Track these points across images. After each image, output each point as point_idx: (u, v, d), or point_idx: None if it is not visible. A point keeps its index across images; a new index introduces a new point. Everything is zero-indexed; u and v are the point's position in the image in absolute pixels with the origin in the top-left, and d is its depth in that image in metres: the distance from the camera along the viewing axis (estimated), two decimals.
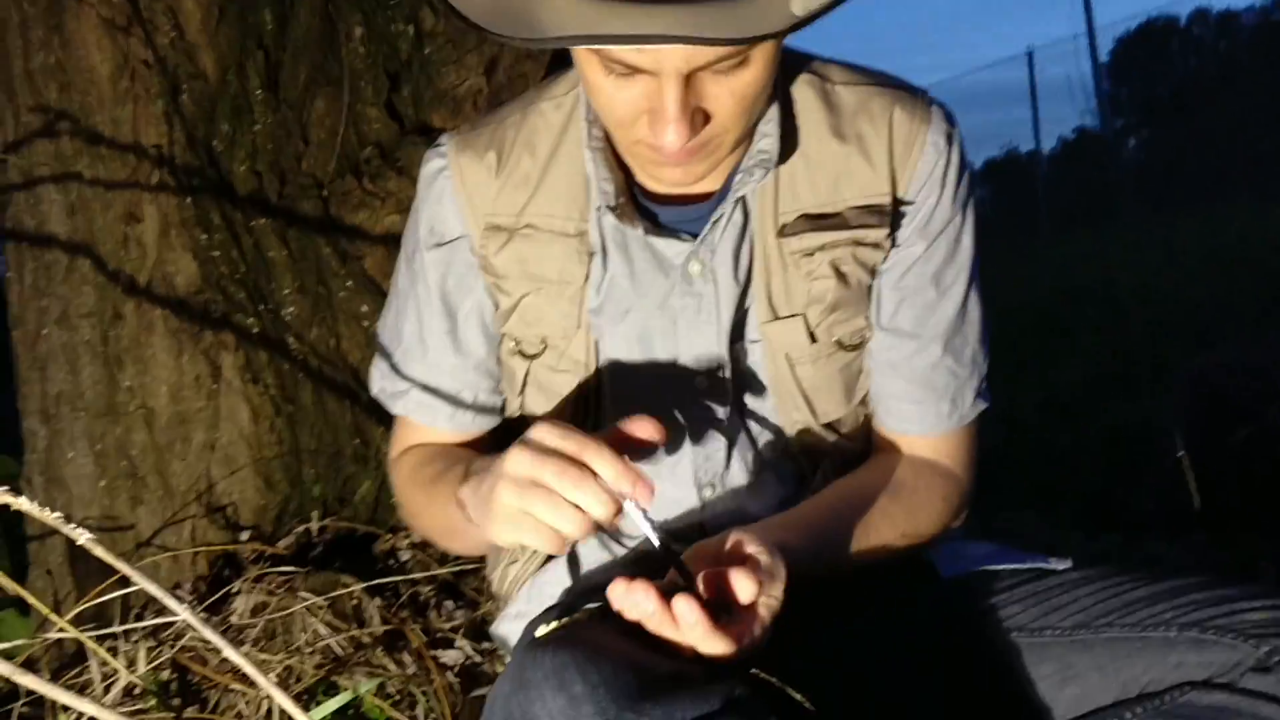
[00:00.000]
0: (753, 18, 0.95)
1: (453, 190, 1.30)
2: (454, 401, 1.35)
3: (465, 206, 1.29)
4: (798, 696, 0.97)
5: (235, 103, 1.88)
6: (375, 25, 1.91)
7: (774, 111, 1.21)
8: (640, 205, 1.25)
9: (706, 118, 1.08)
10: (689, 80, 1.04)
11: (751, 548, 1.01)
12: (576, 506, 0.98)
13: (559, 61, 1.89)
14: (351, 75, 1.89)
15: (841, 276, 1.25)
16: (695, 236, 1.23)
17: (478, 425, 1.37)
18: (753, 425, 1.30)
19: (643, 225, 1.21)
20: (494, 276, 1.29)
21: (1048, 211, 13.15)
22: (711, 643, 0.92)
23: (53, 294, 1.87)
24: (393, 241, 1.86)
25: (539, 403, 1.32)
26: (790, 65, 1.28)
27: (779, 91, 1.23)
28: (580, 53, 1.09)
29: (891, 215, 1.24)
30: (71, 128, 1.86)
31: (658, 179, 1.17)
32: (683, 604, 0.91)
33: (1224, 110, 12.18)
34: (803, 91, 1.27)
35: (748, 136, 1.18)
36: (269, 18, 1.90)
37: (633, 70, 1.04)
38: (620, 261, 1.25)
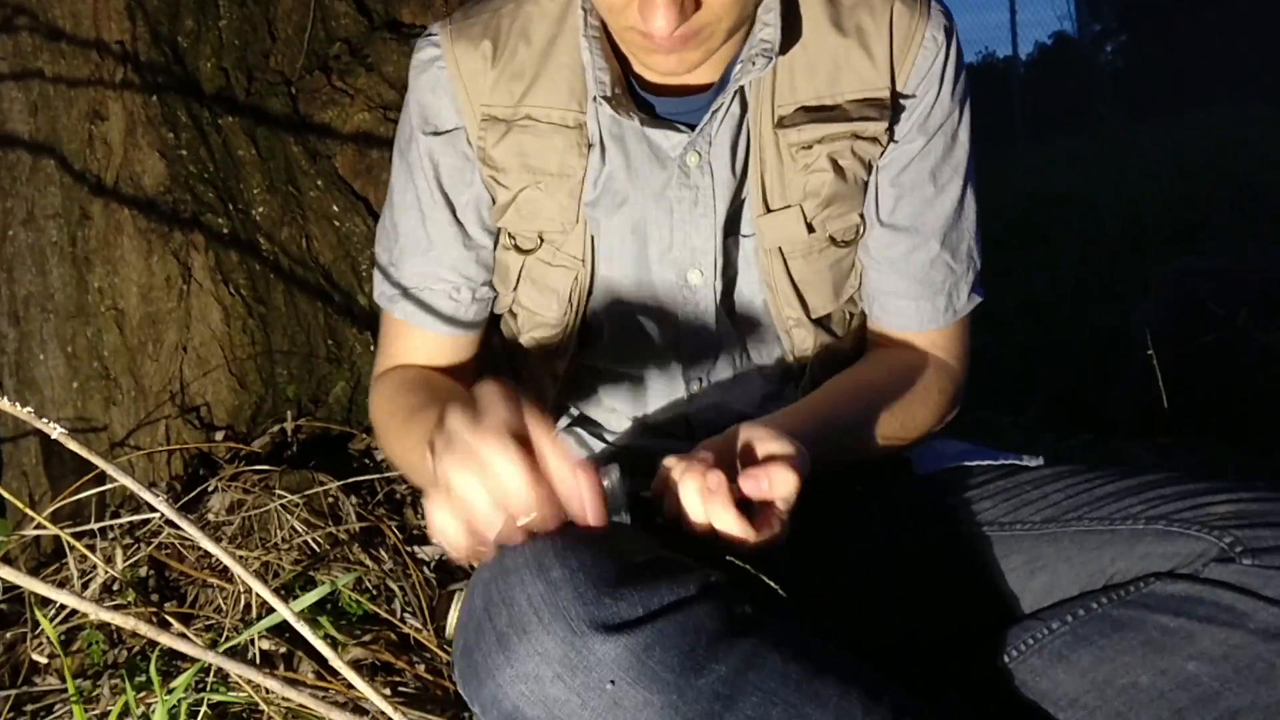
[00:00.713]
0: None
1: (447, 79, 1.29)
2: (452, 299, 1.35)
3: (461, 96, 1.29)
4: (772, 584, 0.99)
5: None
6: None
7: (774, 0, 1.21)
8: (637, 96, 1.25)
9: (697, 4, 1.08)
10: None
11: (776, 445, 1.03)
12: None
13: None
14: None
15: (839, 170, 1.26)
16: (693, 129, 1.23)
17: (469, 333, 1.37)
18: (742, 320, 1.32)
19: (639, 116, 1.21)
20: (492, 169, 1.29)
21: (1025, 118, 13.10)
22: (737, 528, 0.97)
23: (17, 194, 1.85)
24: (363, 140, 1.84)
25: (531, 297, 1.33)
26: None
27: None
28: None
29: (890, 109, 1.25)
30: (30, 22, 1.82)
31: (652, 67, 1.17)
32: (715, 477, 0.97)
33: (1202, 16, 12.10)
34: None
35: (743, 25, 1.18)
36: None
37: None
38: (617, 154, 1.26)
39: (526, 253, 1.31)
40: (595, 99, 1.23)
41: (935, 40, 1.27)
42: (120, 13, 1.82)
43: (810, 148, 1.25)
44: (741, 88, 1.24)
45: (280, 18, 1.87)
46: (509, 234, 1.32)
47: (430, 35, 1.33)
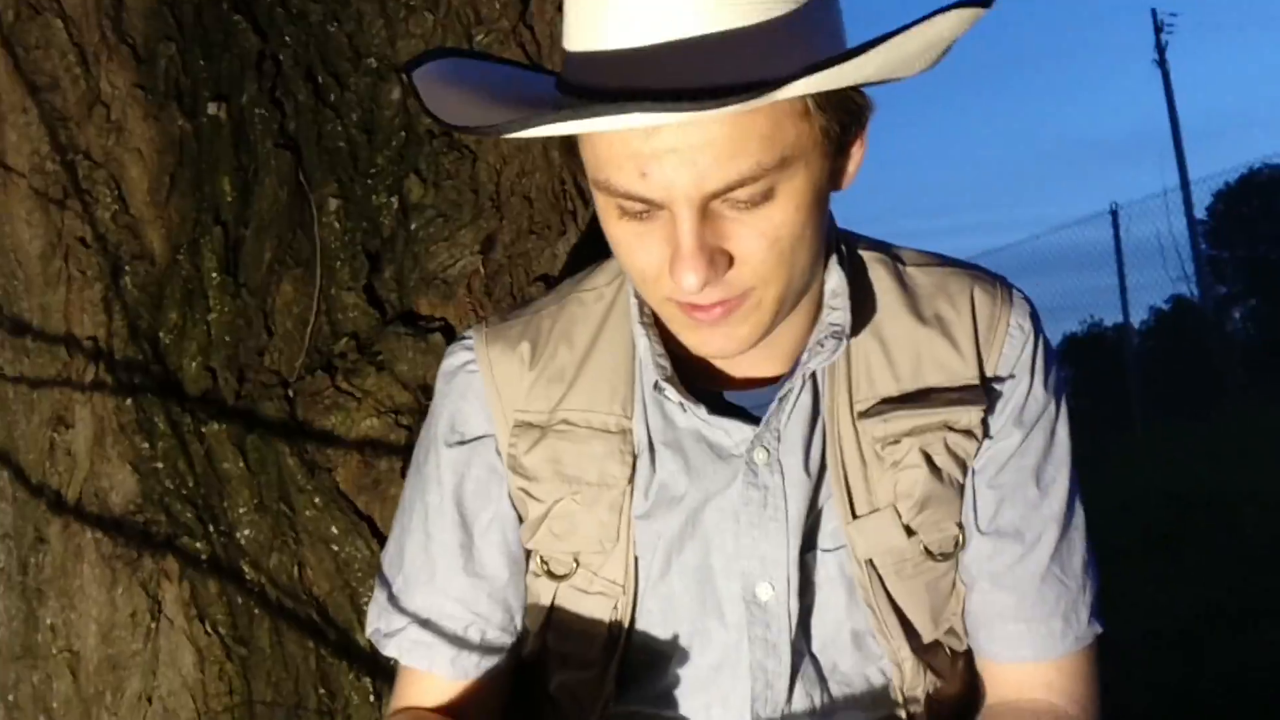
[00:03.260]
0: (730, 98, 1.04)
1: (480, 384, 1.38)
2: (458, 641, 1.38)
3: (493, 401, 1.37)
4: None
5: (187, 287, 1.93)
6: (353, 196, 1.97)
7: (840, 280, 1.30)
8: (697, 391, 1.31)
9: (731, 261, 1.15)
10: (706, 215, 1.12)
11: None
12: None
13: (576, 250, 1.97)
14: (324, 255, 1.95)
15: (933, 467, 1.31)
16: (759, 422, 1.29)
17: (482, 669, 1.39)
18: (824, 652, 1.34)
19: (698, 406, 1.28)
20: (523, 479, 1.35)
21: (1142, 396, 13.22)
22: None
23: None
24: (370, 449, 1.89)
25: (562, 632, 1.36)
26: (856, 246, 1.38)
27: (846, 265, 1.32)
28: (599, 199, 1.18)
29: (984, 397, 1.31)
30: None
31: (701, 349, 1.24)
32: None
33: None
34: (874, 271, 1.37)
35: (795, 298, 1.24)
36: (228, 187, 1.96)
37: (647, 207, 1.13)
38: (672, 459, 1.32)
39: (560, 579, 1.35)
40: (655, 385, 1.29)
41: (1021, 328, 1.35)
42: (96, 305, 1.91)
43: (899, 442, 1.30)
44: (814, 377, 1.31)
45: (279, 310, 1.95)
46: (541, 558, 1.36)
47: (464, 339, 1.42)
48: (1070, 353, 15.92)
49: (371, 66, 1.99)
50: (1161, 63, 21.07)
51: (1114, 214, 14.13)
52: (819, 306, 1.31)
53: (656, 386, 1.30)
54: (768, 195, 1.13)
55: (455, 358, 1.42)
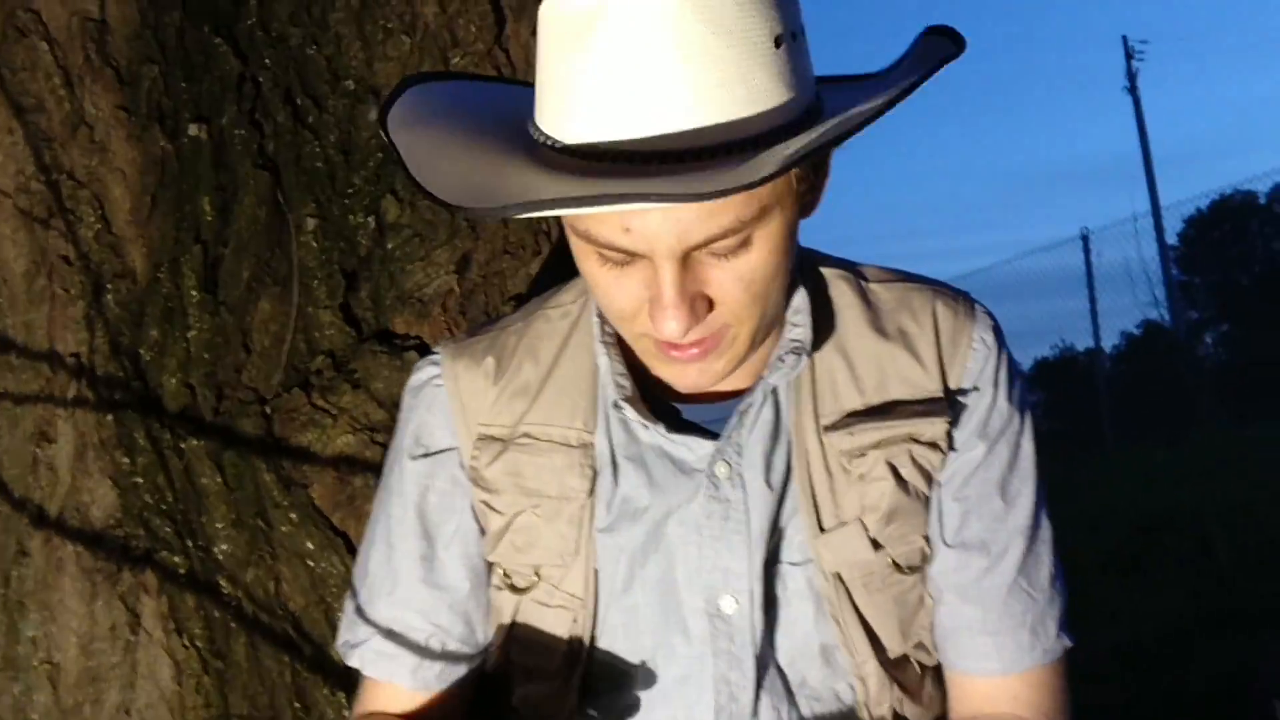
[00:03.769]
0: (726, 180, 1.06)
1: (445, 398, 1.41)
2: (420, 650, 1.40)
3: (457, 415, 1.40)
4: None
5: (167, 305, 1.96)
6: (330, 217, 2.00)
7: (803, 300, 1.32)
8: (659, 407, 1.34)
9: (711, 305, 1.19)
10: (687, 264, 1.15)
11: None
12: None
13: (550, 268, 1.99)
14: (302, 273, 1.97)
15: (900, 480, 1.33)
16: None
17: (443, 681, 1.41)
18: (791, 666, 1.36)
19: (661, 423, 1.30)
20: (485, 491, 1.37)
21: (1113, 421, 13.26)
22: None
23: None
24: (346, 466, 1.92)
25: (524, 646, 1.39)
26: (819, 264, 1.41)
27: (809, 285, 1.35)
28: (577, 243, 1.20)
29: (948, 410, 1.34)
30: None
31: (673, 382, 1.27)
32: None
33: None
34: (836, 287, 1.39)
35: (768, 331, 1.28)
36: (208, 207, 1.99)
37: (628, 256, 1.16)
38: (635, 472, 1.34)
39: (521, 592, 1.38)
40: (615, 404, 1.32)
41: (984, 342, 1.37)
42: (78, 322, 1.94)
43: (865, 454, 1.32)
44: (775, 392, 1.33)
45: (256, 328, 1.97)
46: (503, 571, 1.39)
47: (432, 355, 1.46)
48: (1042, 377, 15.94)
49: (349, 89, 2.02)
50: (1133, 89, 21.23)
51: (1085, 239, 14.21)
52: (781, 324, 1.33)
53: (616, 405, 1.33)
54: (745, 244, 1.16)
55: (422, 373, 1.46)
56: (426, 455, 1.43)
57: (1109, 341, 15.57)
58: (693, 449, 1.33)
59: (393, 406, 1.89)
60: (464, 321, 1.98)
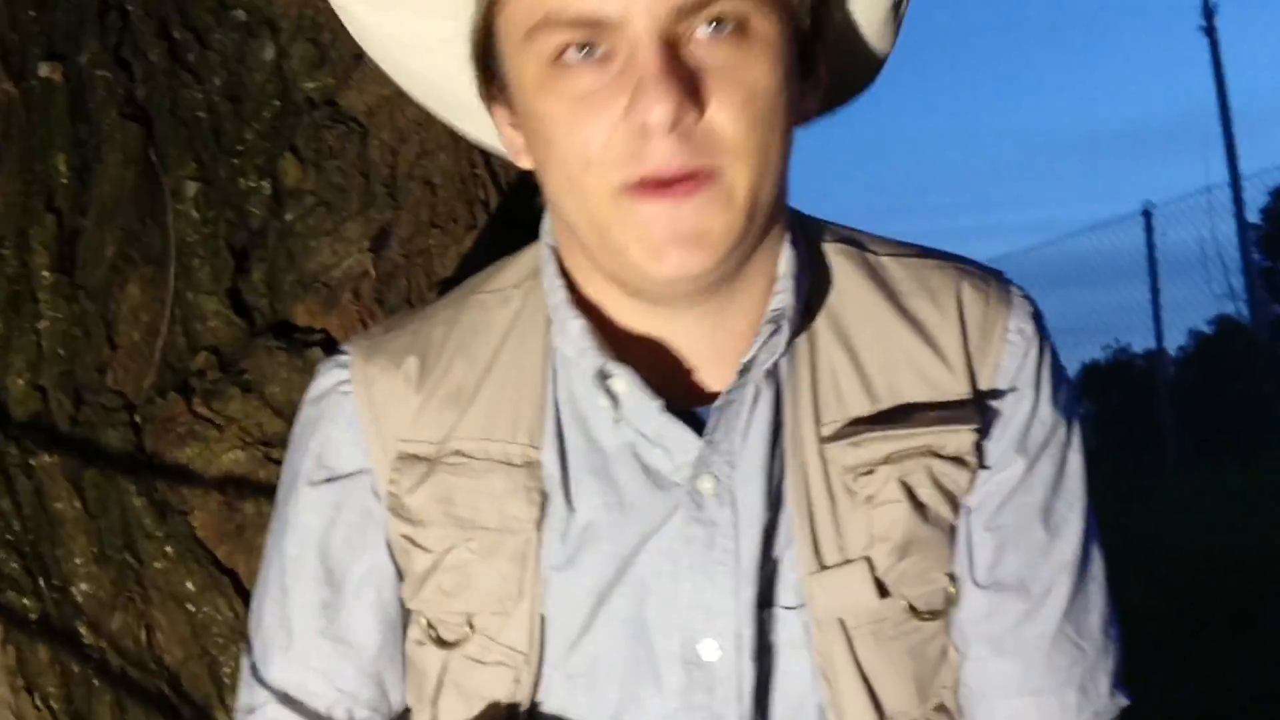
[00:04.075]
0: None
1: (354, 409, 1.37)
2: None
3: (370, 429, 1.36)
4: None
5: (12, 288, 1.92)
6: (215, 180, 1.97)
7: (790, 261, 1.30)
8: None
9: (701, 112, 1.17)
10: (675, 50, 1.16)
11: None
12: None
13: (487, 245, 1.97)
14: (180, 251, 1.94)
15: (916, 503, 1.30)
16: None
17: None
18: None
19: (658, 398, 1.27)
20: (407, 524, 1.33)
21: (1176, 436, 13.34)
22: None
23: None
24: (234, 488, 1.87)
25: (453, 715, 1.34)
26: (812, 230, 1.39)
27: (801, 247, 1.33)
28: (527, 70, 1.22)
29: (977, 417, 1.31)
30: None
31: (663, 242, 1.21)
32: None
33: None
34: (837, 261, 1.38)
35: (766, 210, 1.25)
36: (63, 167, 1.96)
37: (594, 41, 1.17)
38: (598, 490, 1.30)
39: (450, 646, 1.34)
40: (599, 373, 1.28)
41: (1022, 333, 1.35)
42: None
43: (874, 472, 1.29)
44: (778, 387, 1.30)
45: (123, 318, 1.93)
46: (427, 621, 1.35)
47: (338, 354, 1.42)
48: (1092, 384, 15.97)
49: (240, 20, 1.99)
50: (1210, 30, 20.99)
51: (1147, 215, 14.21)
52: (775, 204, 1.30)
53: (601, 375, 1.28)
54: (742, 28, 1.18)
55: (325, 377, 1.41)
56: (331, 480, 1.38)
57: (1174, 341, 15.63)
58: (672, 453, 1.29)
59: (292, 415, 1.82)
60: (381, 311, 1.95)
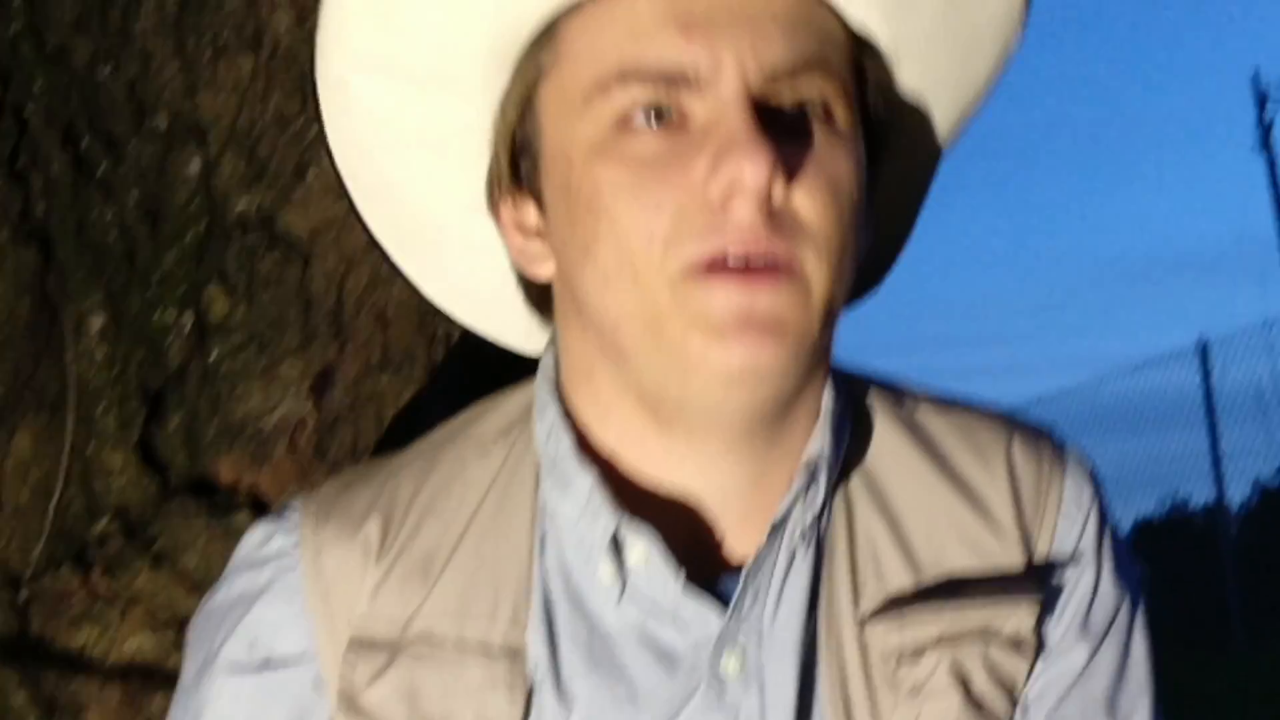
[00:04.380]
0: None
1: (297, 582, 1.33)
2: None
3: (317, 607, 1.32)
4: None
5: None
6: (126, 313, 1.96)
7: (830, 400, 1.31)
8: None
9: (790, 175, 1.18)
10: (759, 111, 1.18)
11: None
12: None
13: (446, 388, 1.97)
14: (81, 395, 1.93)
15: (970, 695, 1.29)
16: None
17: None
18: None
19: (682, 567, 1.24)
20: None
21: (1242, 605, 13.35)
22: None
23: None
24: (140, 679, 1.85)
25: None
26: (846, 373, 1.40)
27: (839, 397, 1.33)
28: (585, 133, 1.22)
29: (1036, 592, 1.31)
30: None
31: (734, 324, 1.19)
32: None
33: None
34: (874, 411, 1.39)
35: (835, 316, 1.27)
36: None
37: (671, 97, 1.19)
38: (598, 682, 1.27)
39: None
40: (614, 538, 1.25)
41: (1079, 502, 1.37)
42: None
43: (921, 657, 1.28)
44: (819, 555, 1.30)
45: (10, 474, 1.91)
46: None
47: (283, 510, 1.39)
48: (1145, 543, 16.01)
49: (161, 128, 1.99)
50: (1266, 147, 21.41)
51: (1203, 351, 14.31)
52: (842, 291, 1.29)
53: (615, 541, 1.26)
54: (828, 114, 1.22)
55: (265, 539, 1.37)
56: (264, 669, 1.33)
57: (1237, 494, 15.65)
58: (690, 629, 1.26)
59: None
60: (321, 466, 1.94)
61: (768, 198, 1.16)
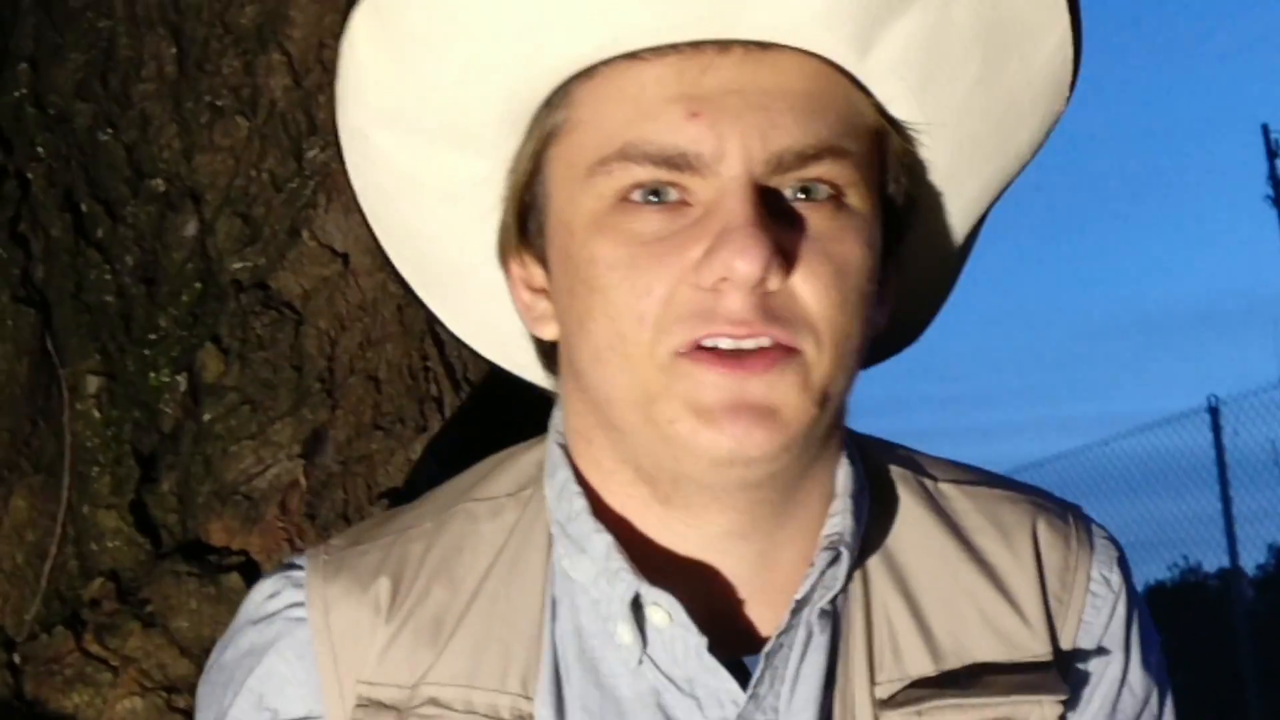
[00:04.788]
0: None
1: (306, 640, 1.32)
2: None
3: (326, 667, 1.31)
4: None
5: None
6: (122, 374, 1.96)
7: (848, 476, 1.29)
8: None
9: (787, 271, 1.17)
10: (763, 201, 1.17)
11: None
12: None
13: (440, 452, 1.96)
14: (76, 457, 1.93)
15: None
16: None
17: None
18: None
19: (704, 636, 1.23)
20: None
21: (1256, 673, 13.24)
22: None
23: None
24: None
25: None
26: (865, 444, 1.39)
27: (857, 461, 1.32)
28: (585, 209, 1.21)
29: (1060, 687, 1.29)
30: None
31: (725, 412, 1.18)
32: None
33: None
34: (892, 485, 1.37)
35: (839, 400, 1.25)
36: None
37: (676, 180, 1.18)
38: None
39: None
40: (635, 600, 1.24)
41: (1108, 582, 1.36)
42: None
43: None
44: (835, 634, 1.28)
45: (4, 536, 1.91)
46: None
47: (290, 566, 1.38)
48: (1156, 608, 15.71)
49: (158, 190, 2.01)
50: (1277, 200, 21.19)
51: (1213, 411, 14.20)
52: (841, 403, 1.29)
53: (636, 603, 1.25)
54: (838, 198, 1.20)
55: (272, 595, 1.37)
56: None
57: (1251, 559, 15.49)
58: (705, 708, 1.25)
59: (203, 655, 1.81)
60: (312, 529, 1.93)
61: (762, 285, 1.15)
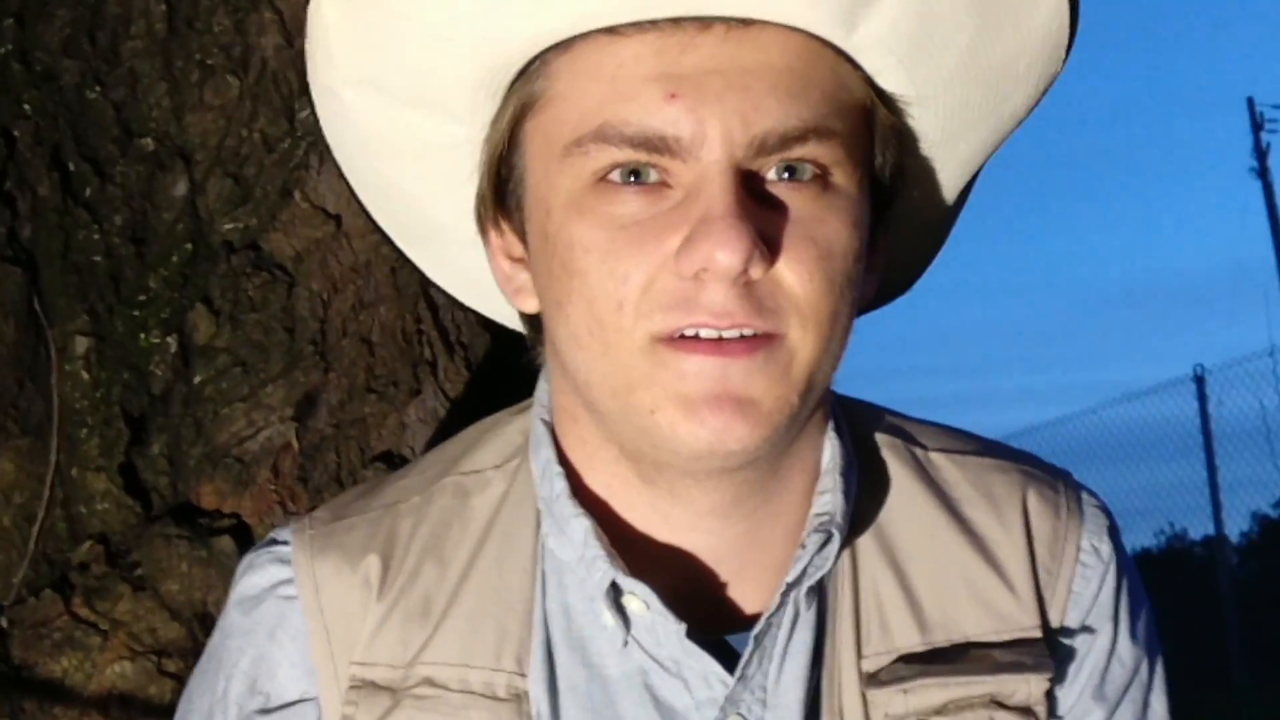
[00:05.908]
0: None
1: (299, 619, 1.32)
2: None
3: (319, 647, 1.31)
4: None
5: None
6: (111, 335, 1.96)
7: (836, 452, 1.29)
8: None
9: (770, 258, 1.16)
10: (745, 185, 1.16)
11: None
12: None
13: (443, 418, 1.96)
14: (64, 418, 1.93)
15: None
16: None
17: None
18: None
19: (682, 622, 1.22)
20: None
21: (1241, 641, 13.29)
22: None
23: None
24: (120, 708, 1.84)
25: None
26: (854, 413, 1.38)
27: (846, 437, 1.32)
28: (565, 186, 1.19)
29: (1047, 661, 1.30)
30: None
31: (704, 401, 1.17)
32: None
33: None
34: (882, 454, 1.37)
35: (824, 383, 1.24)
36: None
37: (655, 161, 1.16)
38: None
39: None
40: (612, 586, 1.24)
41: (1098, 553, 1.35)
42: None
43: None
44: (821, 613, 1.28)
45: None
46: None
47: (275, 543, 1.36)
48: (1142, 575, 15.79)
49: (147, 149, 2.00)
50: (1262, 172, 21.28)
51: (1199, 381, 14.24)
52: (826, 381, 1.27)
53: (614, 589, 1.24)
54: (823, 178, 1.19)
55: (260, 573, 1.35)
56: (266, 711, 1.33)
57: (1235, 527, 15.57)
58: (692, 689, 1.25)
59: (194, 619, 1.83)
60: (304, 492, 1.93)
61: (744, 277, 1.14)
